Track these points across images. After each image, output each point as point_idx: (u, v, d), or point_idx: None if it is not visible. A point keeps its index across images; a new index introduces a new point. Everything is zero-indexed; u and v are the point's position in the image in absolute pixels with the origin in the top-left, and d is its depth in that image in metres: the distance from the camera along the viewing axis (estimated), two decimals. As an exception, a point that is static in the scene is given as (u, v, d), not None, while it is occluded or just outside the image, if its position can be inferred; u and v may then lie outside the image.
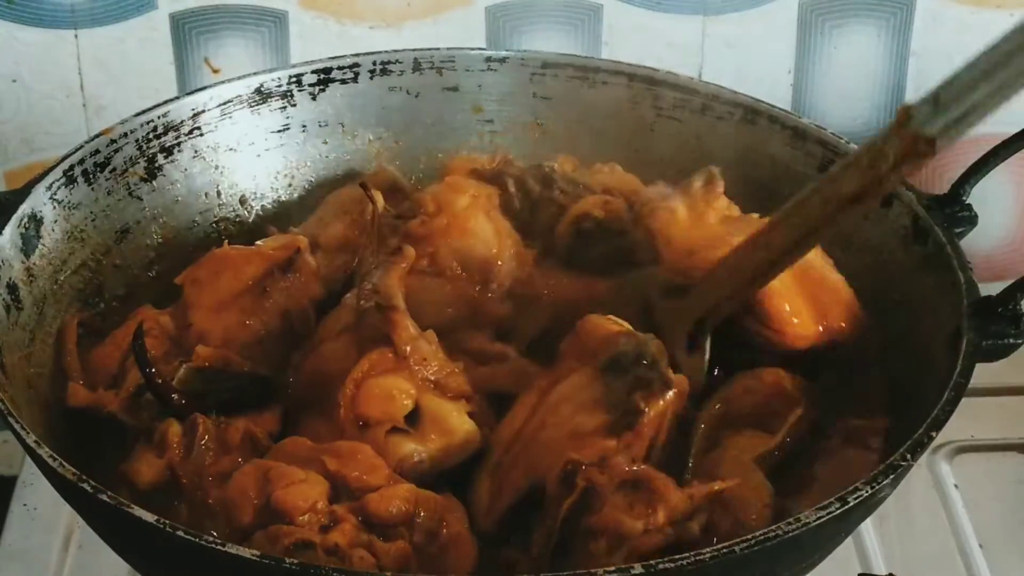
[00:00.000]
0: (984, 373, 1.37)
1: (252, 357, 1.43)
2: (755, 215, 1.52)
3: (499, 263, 1.53)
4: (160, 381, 1.36)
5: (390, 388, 1.33)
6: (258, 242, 1.54)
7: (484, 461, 1.35)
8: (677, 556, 1.15)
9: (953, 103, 1.20)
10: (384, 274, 1.40)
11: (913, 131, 1.21)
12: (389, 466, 1.30)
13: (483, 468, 1.35)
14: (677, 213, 1.49)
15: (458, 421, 1.35)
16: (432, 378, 1.36)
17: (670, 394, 1.32)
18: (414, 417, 1.34)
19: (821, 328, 1.42)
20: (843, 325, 1.43)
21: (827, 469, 1.37)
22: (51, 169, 1.55)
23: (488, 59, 1.77)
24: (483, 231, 1.54)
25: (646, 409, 1.30)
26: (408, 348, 1.34)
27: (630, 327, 1.38)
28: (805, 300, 1.43)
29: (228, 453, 1.33)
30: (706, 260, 1.43)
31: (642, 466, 1.26)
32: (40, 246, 1.51)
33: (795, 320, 1.42)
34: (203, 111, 1.68)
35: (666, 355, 1.35)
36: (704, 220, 1.48)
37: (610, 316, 1.41)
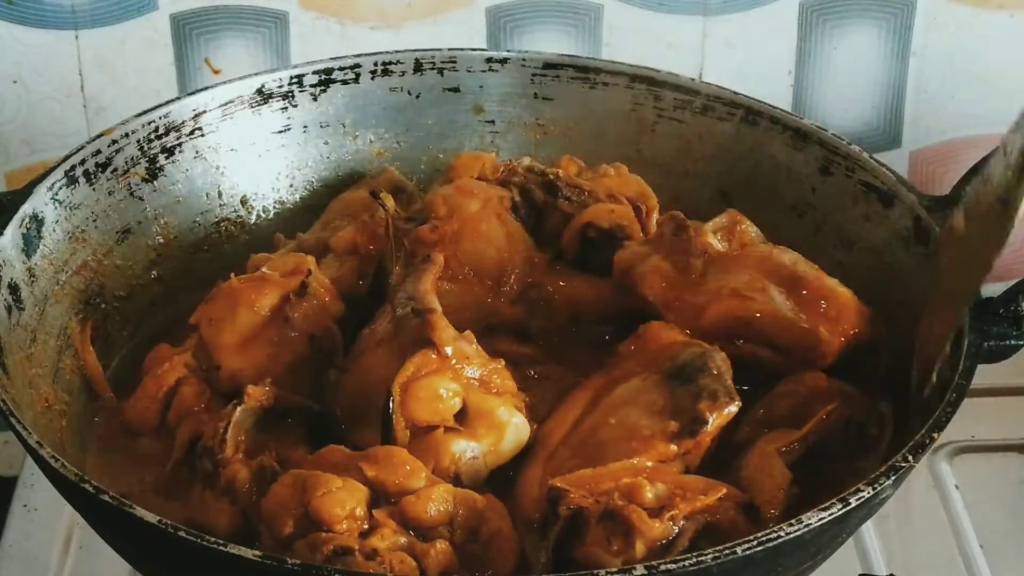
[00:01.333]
0: (985, 373, 1.37)
1: (288, 387, 1.41)
2: (726, 246, 1.52)
3: (511, 266, 1.53)
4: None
5: (436, 388, 1.33)
6: (263, 268, 1.50)
7: (533, 452, 1.36)
8: (679, 557, 1.16)
9: None
10: (417, 280, 1.40)
11: None
12: (444, 466, 1.30)
13: (534, 459, 1.35)
14: (662, 272, 1.47)
15: (507, 415, 1.35)
16: (476, 376, 1.35)
17: (734, 407, 1.33)
18: (462, 416, 1.34)
19: (842, 339, 1.42)
20: (857, 329, 1.43)
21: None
22: (52, 169, 1.55)
23: (489, 60, 1.77)
24: (495, 235, 1.54)
25: (711, 418, 1.31)
26: (450, 348, 1.34)
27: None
28: (814, 316, 1.42)
29: None
30: (714, 318, 1.44)
31: (620, 502, 1.24)
32: (41, 246, 1.51)
33: (815, 339, 1.42)
34: (204, 111, 1.68)
35: (731, 368, 1.36)
36: (691, 273, 1.47)
37: (671, 324, 1.43)
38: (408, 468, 1.27)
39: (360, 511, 1.23)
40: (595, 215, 1.56)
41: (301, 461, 1.32)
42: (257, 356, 1.43)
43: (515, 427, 1.35)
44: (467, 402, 1.34)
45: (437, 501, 1.25)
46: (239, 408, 1.35)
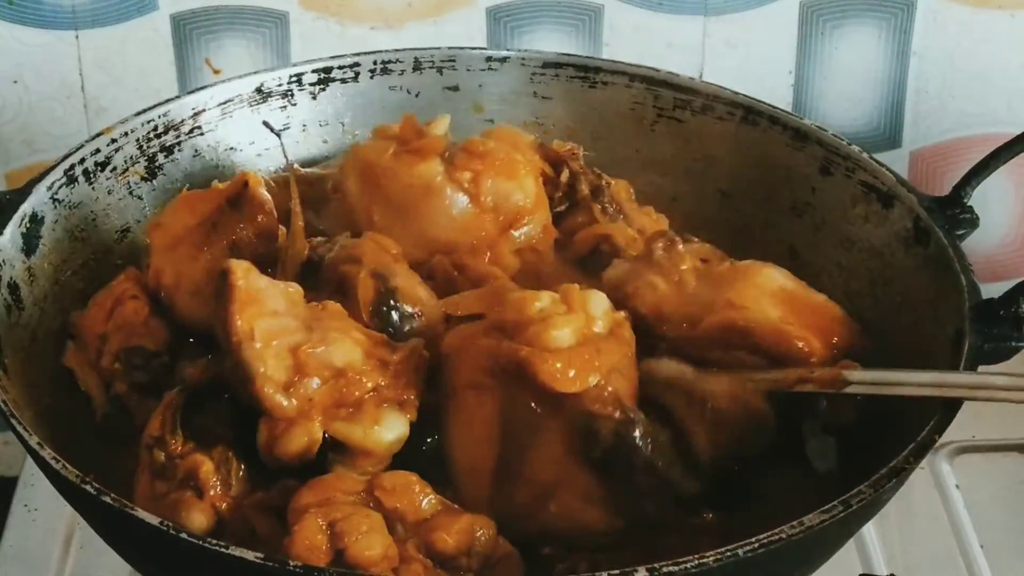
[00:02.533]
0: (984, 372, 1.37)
1: (202, 294, 1.41)
2: (723, 258, 1.52)
3: (530, 218, 1.54)
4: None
5: (293, 450, 1.29)
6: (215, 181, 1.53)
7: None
8: (680, 559, 1.15)
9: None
10: (222, 315, 1.30)
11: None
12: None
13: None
14: (658, 288, 1.46)
15: (373, 441, 1.30)
16: (332, 404, 1.31)
17: None
18: (342, 448, 1.31)
19: (833, 351, 1.42)
20: (847, 341, 1.43)
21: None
22: (52, 168, 1.55)
23: (489, 59, 1.77)
24: (528, 185, 1.55)
25: None
26: (282, 413, 1.29)
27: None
28: (805, 328, 1.42)
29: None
30: (710, 328, 1.42)
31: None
32: (41, 246, 1.51)
33: (806, 349, 1.42)
34: (203, 110, 1.68)
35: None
36: (685, 286, 1.46)
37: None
38: (421, 494, 1.27)
39: (392, 550, 1.23)
40: (618, 232, 1.57)
41: (302, 488, 1.29)
42: (179, 256, 1.45)
43: (388, 445, 1.31)
44: (332, 436, 1.30)
45: (459, 533, 1.25)
46: (180, 394, 1.35)
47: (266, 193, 1.48)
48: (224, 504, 1.30)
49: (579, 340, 1.31)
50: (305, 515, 1.24)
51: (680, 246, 1.49)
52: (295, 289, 1.36)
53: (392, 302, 1.40)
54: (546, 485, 1.29)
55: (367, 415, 1.31)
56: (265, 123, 1.63)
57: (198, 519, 1.29)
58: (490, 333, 1.33)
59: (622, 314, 1.36)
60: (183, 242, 1.46)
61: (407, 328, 1.40)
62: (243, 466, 1.32)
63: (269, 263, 1.44)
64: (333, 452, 1.30)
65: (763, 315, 1.42)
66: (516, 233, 1.54)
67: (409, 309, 1.40)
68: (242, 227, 1.46)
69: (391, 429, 1.32)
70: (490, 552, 1.26)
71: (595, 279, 1.49)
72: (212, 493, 1.31)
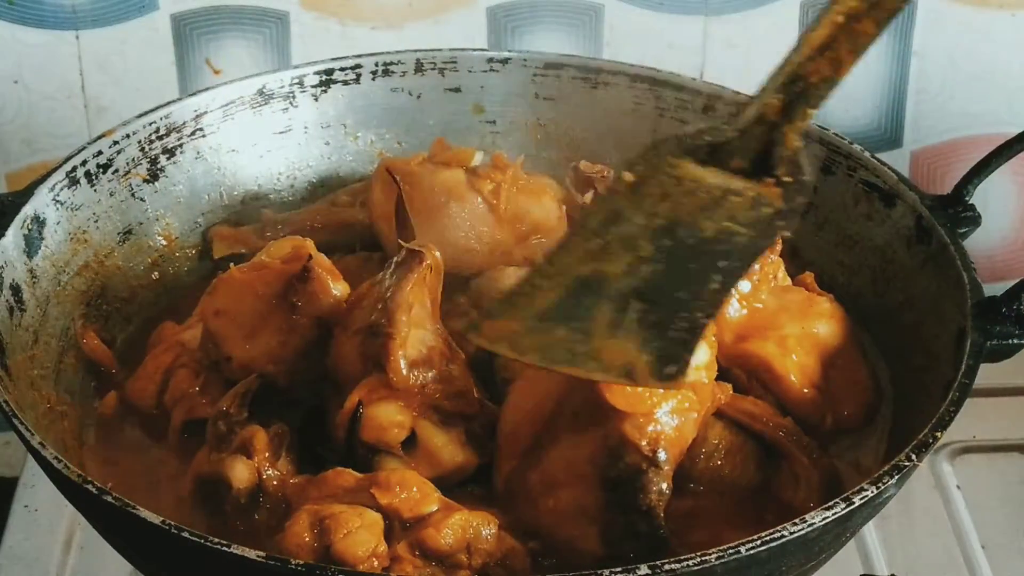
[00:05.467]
0: (986, 373, 1.37)
1: (300, 371, 1.42)
2: (803, 290, 1.52)
3: (546, 232, 1.56)
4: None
5: (383, 420, 1.33)
6: (260, 254, 1.50)
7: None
8: (683, 557, 1.15)
9: None
10: (397, 285, 1.37)
11: None
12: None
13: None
14: (739, 288, 1.45)
15: (448, 454, 1.35)
16: (430, 402, 1.35)
17: None
18: (411, 444, 1.34)
19: (839, 425, 1.44)
20: (857, 418, 1.46)
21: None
22: (54, 170, 1.55)
23: (490, 60, 1.77)
24: (549, 206, 1.58)
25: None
26: (397, 379, 1.33)
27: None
28: (828, 400, 1.44)
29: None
30: (754, 352, 1.43)
31: None
32: (43, 248, 1.51)
33: (816, 424, 1.44)
34: (205, 112, 1.68)
35: None
36: (757, 292, 1.46)
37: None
38: (420, 493, 1.28)
39: (382, 548, 1.24)
40: None
41: (307, 484, 1.32)
42: (267, 344, 1.42)
43: (455, 465, 1.35)
44: (416, 431, 1.34)
45: (454, 529, 1.25)
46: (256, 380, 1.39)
47: (324, 258, 1.47)
48: (269, 472, 1.33)
49: None
50: (299, 511, 1.26)
51: (778, 247, 1.48)
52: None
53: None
54: (556, 479, 1.30)
55: (454, 432, 1.35)
56: (389, 171, 1.60)
57: (241, 472, 1.32)
58: None
59: (710, 385, 1.35)
60: (264, 330, 1.43)
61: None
62: (295, 449, 1.35)
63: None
64: (405, 448, 1.34)
65: (797, 372, 1.43)
66: (533, 241, 1.55)
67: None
68: (318, 299, 1.44)
69: (464, 455, 1.35)
70: (494, 548, 1.26)
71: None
72: (260, 458, 1.33)
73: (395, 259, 1.39)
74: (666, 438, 1.29)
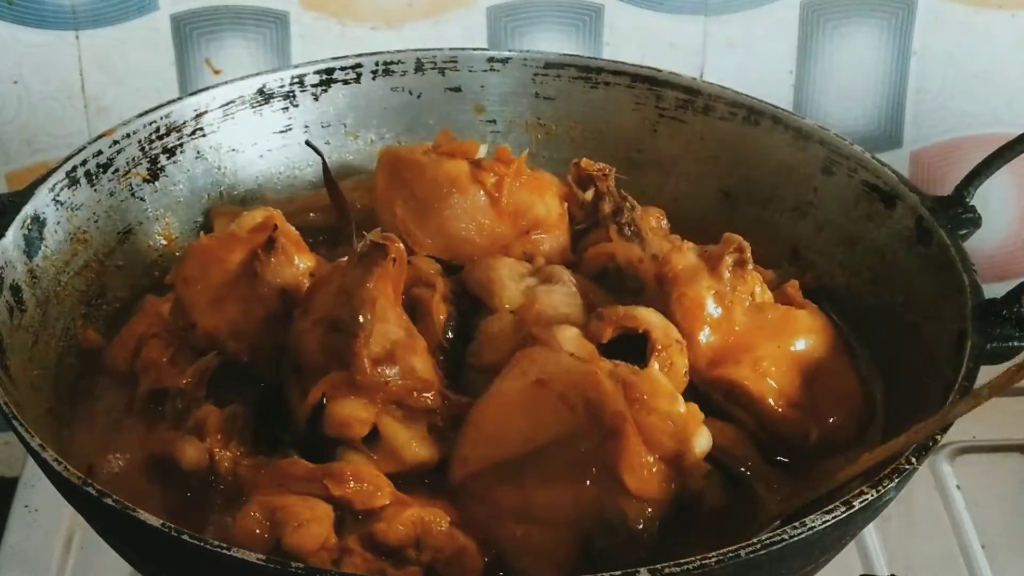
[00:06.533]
0: (986, 373, 1.36)
1: (263, 341, 1.42)
2: (780, 306, 1.49)
3: (547, 229, 1.56)
4: None
5: (346, 416, 1.32)
6: (232, 224, 1.50)
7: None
8: (683, 560, 1.15)
9: None
10: (361, 279, 1.35)
11: None
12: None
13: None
14: (705, 307, 1.44)
15: (410, 452, 1.34)
16: (392, 398, 1.34)
17: None
18: (374, 438, 1.34)
19: (826, 440, 1.43)
20: (847, 420, 1.45)
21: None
22: (54, 170, 1.55)
23: (491, 59, 1.77)
24: (551, 204, 1.58)
25: None
26: (362, 378, 1.33)
27: None
28: (812, 417, 1.43)
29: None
30: (727, 377, 1.42)
31: None
32: (43, 248, 1.50)
33: (800, 443, 1.43)
34: (205, 112, 1.68)
35: None
36: (731, 315, 1.45)
37: None
38: (371, 486, 1.28)
39: (332, 540, 1.25)
40: (621, 251, 1.55)
41: (259, 471, 1.32)
42: (231, 313, 1.43)
43: (418, 462, 1.35)
44: (379, 427, 1.33)
45: (405, 524, 1.26)
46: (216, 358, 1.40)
47: (292, 229, 1.48)
48: (221, 454, 1.34)
49: (670, 459, 1.30)
50: (249, 503, 1.27)
51: (750, 266, 1.46)
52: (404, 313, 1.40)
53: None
54: (534, 514, 1.28)
55: (416, 428, 1.35)
56: (308, 143, 1.63)
57: (191, 454, 1.33)
58: (615, 377, 1.31)
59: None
60: (228, 299, 1.44)
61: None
62: (250, 429, 1.36)
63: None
64: (367, 442, 1.33)
65: (775, 395, 1.42)
66: (532, 236, 1.55)
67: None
68: (283, 270, 1.45)
69: (426, 451, 1.35)
70: (443, 545, 1.26)
71: (613, 297, 1.49)
72: (212, 440, 1.34)
73: (359, 249, 1.37)
74: (659, 517, 1.29)
